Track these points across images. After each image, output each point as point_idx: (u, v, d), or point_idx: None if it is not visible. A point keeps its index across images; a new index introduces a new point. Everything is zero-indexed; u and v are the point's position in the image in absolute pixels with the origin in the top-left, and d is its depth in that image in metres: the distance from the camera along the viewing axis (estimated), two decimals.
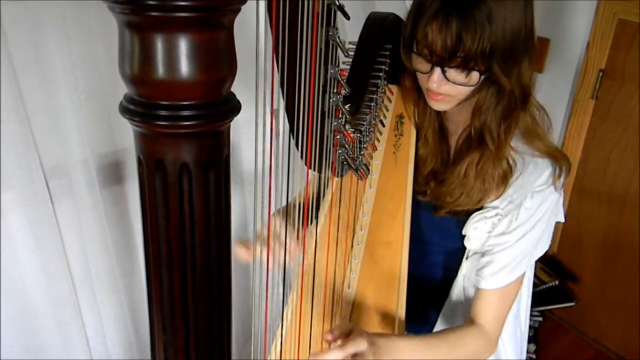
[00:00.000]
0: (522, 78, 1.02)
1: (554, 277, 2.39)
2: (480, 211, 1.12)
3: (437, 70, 1.00)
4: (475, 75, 0.99)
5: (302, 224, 1.03)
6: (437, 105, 1.09)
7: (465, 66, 0.97)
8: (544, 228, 1.12)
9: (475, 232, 1.13)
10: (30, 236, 1.43)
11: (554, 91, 2.36)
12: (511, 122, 1.06)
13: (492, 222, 1.12)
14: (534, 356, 2.33)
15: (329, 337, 0.93)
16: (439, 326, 1.25)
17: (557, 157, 1.10)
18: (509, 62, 0.98)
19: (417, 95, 1.17)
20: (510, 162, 1.09)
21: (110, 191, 1.58)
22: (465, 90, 1.03)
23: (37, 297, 1.50)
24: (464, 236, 1.15)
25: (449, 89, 1.03)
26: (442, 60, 0.98)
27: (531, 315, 1.83)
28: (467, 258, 1.18)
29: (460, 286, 1.21)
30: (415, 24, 1.00)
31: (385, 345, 0.96)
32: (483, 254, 1.14)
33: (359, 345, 0.91)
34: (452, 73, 1.00)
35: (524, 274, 1.15)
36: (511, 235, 1.11)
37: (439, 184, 1.16)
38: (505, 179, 1.09)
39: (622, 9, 2.12)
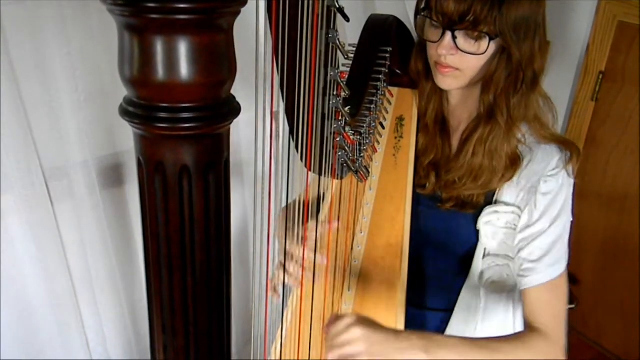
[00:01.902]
0: (534, 61, 1.04)
1: None
2: (490, 205, 1.12)
3: (448, 35, 1.02)
4: (484, 43, 1.01)
5: (302, 225, 1.03)
6: (444, 81, 1.09)
7: (475, 27, 0.99)
8: (568, 217, 1.11)
9: (488, 226, 1.12)
10: (30, 238, 1.43)
11: (554, 93, 2.33)
12: (521, 99, 1.07)
13: (507, 219, 1.11)
14: None
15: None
16: (449, 328, 1.24)
17: (565, 142, 1.10)
18: (519, 34, 1.00)
19: (425, 77, 1.17)
20: (519, 148, 1.10)
21: (110, 193, 1.58)
22: (474, 64, 1.04)
23: (37, 299, 1.50)
24: (475, 232, 1.14)
25: (457, 61, 1.04)
26: (454, 23, 1.00)
27: None
28: (483, 257, 1.16)
29: (473, 288, 1.19)
30: None
31: (436, 340, 0.97)
32: (518, 252, 1.11)
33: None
34: (462, 40, 1.02)
35: (566, 270, 1.11)
36: (538, 225, 1.09)
37: (446, 173, 1.15)
38: (514, 162, 1.09)
39: (623, 11, 2.12)
